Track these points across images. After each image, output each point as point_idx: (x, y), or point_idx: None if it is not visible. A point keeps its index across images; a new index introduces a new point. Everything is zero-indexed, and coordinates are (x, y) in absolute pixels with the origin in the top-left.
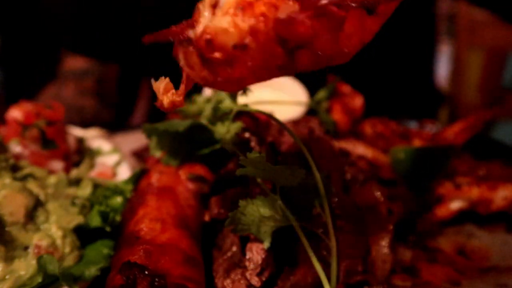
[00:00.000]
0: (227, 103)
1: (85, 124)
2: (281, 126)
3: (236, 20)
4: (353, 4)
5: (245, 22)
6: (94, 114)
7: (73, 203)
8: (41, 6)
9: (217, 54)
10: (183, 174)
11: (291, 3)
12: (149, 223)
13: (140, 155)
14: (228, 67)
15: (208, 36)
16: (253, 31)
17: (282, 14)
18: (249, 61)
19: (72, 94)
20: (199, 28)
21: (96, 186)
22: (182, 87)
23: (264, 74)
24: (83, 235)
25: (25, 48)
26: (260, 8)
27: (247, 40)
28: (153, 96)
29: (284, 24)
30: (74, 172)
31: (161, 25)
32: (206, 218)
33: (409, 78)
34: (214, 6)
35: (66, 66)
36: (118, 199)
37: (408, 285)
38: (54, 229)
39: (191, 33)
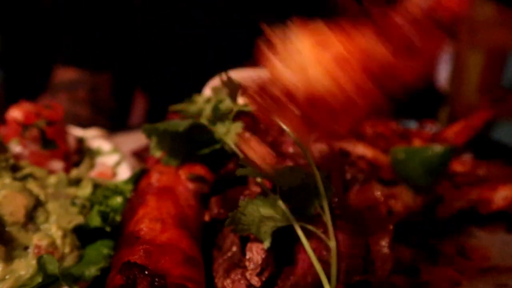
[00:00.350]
0: (227, 103)
1: (82, 128)
2: (281, 126)
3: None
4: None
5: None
6: (89, 121)
7: (73, 203)
8: (41, 6)
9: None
10: (183, 174)
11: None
12: (149, 223)
13: (140, 155)
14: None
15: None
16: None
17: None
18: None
19: (65, 104)
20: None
21: (96, 186)
22: None
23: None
24: (83, 235)
25: (25, 50)
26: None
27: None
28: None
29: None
30: (74, 172)
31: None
32: (206, 218)
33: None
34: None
35: (57, 78)
36: (118, 199)
37: (408, 285)
38: (54, 229)
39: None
